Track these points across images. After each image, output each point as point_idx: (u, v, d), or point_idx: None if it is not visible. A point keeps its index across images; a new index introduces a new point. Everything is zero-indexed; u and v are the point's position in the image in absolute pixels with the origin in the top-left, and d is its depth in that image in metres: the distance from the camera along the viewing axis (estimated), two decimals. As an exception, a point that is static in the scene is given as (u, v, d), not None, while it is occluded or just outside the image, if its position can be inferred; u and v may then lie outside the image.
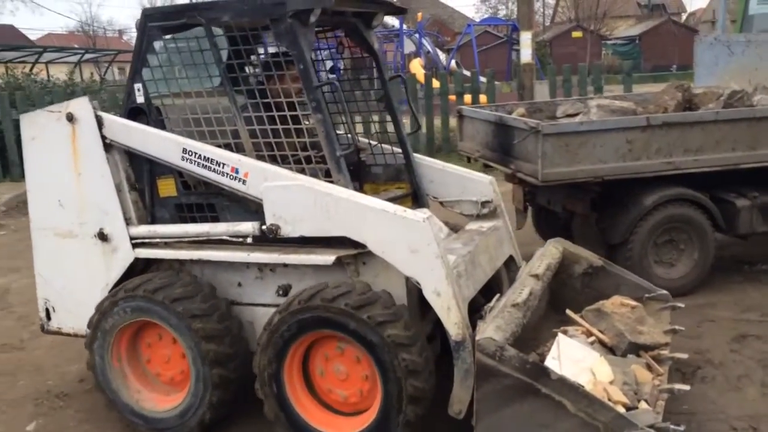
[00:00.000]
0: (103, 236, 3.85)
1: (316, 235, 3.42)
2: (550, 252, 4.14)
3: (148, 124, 3.77)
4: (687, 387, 3.31)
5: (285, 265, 3.54)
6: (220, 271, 3.74)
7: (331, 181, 3.48)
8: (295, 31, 3.43)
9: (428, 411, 3.23)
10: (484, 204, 4.20)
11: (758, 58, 6.48)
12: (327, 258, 3.38)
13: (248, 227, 3.56)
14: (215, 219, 3.74)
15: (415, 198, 4.25)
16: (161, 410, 3.71)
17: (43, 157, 3.95)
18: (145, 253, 3.79)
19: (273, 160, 3.57)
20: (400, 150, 4.32)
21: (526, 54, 11.24)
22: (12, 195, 10.22)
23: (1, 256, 7.44)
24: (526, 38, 11.20)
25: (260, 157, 3.57)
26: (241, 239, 3.59)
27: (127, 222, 3.81)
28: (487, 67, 14.65)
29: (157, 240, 3.79)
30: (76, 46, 33.89)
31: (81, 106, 3.80)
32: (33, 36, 48.46)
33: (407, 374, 3.08)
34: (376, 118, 4.74)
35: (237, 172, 3.53)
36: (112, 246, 3.85)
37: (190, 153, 3.62)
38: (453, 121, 10.75)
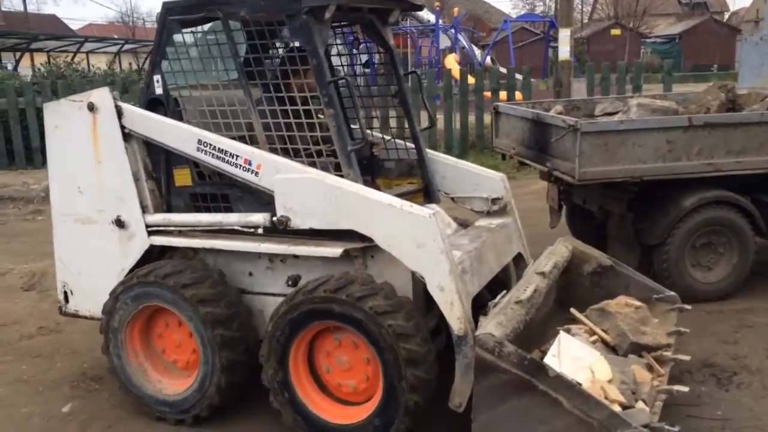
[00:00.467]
0: (120, 223, 3.96)
1: (324, 228, 3.50)
2: (558, 250, 4.16)
3: (165, 115, 3.88)
4: (685, 389, 3.32)
5: (295, 257, 3.62)
6: (232, 260, 3.83)
7: (342, 175, 3.55)
8: (310, 27, 3.50)
9: (429, 401, 3.30)
10: (494, 201, 4.25)
11: (806, 59, 6.30)
12: (335, 250, 3.46)
13: (259, 218, 3.64)
14: (228, 209, 3.83)
15: (427, 193, 4.30)
16: (182, 391, 3.82)
17: (65, 145, 4.07)
18: (159, 240, 3.90)
19: (286, 153, 3.65)
20: (413, 145, 4.37)
21: (564, 51, 11.13)
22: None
23: (39, 241, 7.60)
24: (564, 35, 11.08)
25: (273, 150, 3.66)
26: (252, 230, 3.68)
27: (144, 210, 3.92)
28: (522, 63, 14.51)
29: (172, 228, 3.90)
30: (116, 36, 34.44)
31: (102, 96, 3.91)
32: (74, 26, 49.39)
33: (407, 363, 3.15)
34: (393, 113, 4.77)
35: (250, 164, 3.62)
36: (128, 233, 3.96)
37: (205, 144, 3.71)
38: (487, 118, 10.68)
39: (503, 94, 11.83)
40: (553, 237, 6.64)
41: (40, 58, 24.14)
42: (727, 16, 52.59)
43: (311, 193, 3.47)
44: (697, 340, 4.57)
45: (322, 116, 3.80)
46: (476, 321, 3.28)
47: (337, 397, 3.51)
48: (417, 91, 11.57)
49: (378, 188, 4.10)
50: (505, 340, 2.93)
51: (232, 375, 3.66)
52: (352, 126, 4.34)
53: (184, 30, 3.83)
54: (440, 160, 4.40)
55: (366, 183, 3.99)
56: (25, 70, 21.32)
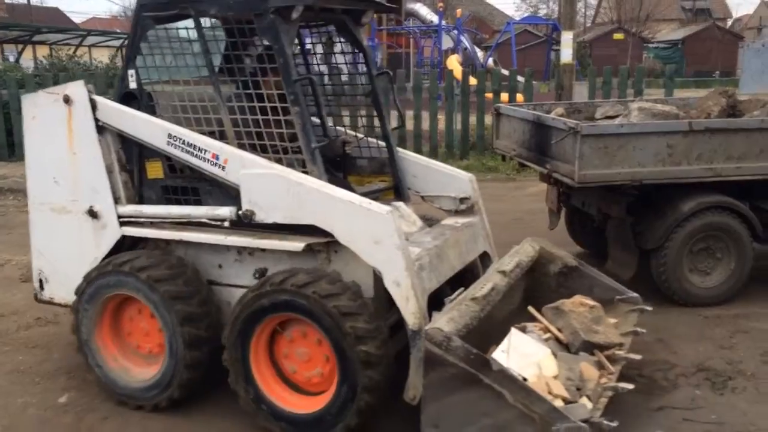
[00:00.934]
0: (93, 213, 4.08)
1: (287, 222, 3.60)
2: (524, 250, 4.26)
3: (139, 109, 3.99)
4: (630, 386, 3.40)
5: (263, 250, 3.72)
6: (202, 252, 3.93)
7: (306, 172, 3.65)
8: (277, 26, 3.61)
9: (381, 400, 3.40)
10: (462, 200, 4.35)
11: (807, 67, 6.32)
12: (297, 245, 3.56)
13: (226, 212, 3.75)
14: (198, 202, 3.94)
15: (397, 191, 4.41)
16: (151, 376, 3.94)
17: (42, 136, 4.19)
18: (131, 231, 4.01)
19: (256, 149, 3.77)
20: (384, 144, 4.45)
21: (566, 54, 11.16)
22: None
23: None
24: (567, 38, 11.11)
25: (242, 146, 3.77)
26: (219, 223, 3.79)
27: (116, 201, 4.04)
28: (525, 66, 14.51)
29: (143, 219, 4.01)
30: (118, 30, 34.42)
31: (77, 89, 4.03)
32: (77, 19, 49.33)
33: (363, 365, 3.24)
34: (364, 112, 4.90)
35: (217, 158, 3.73)
36: (101, 223, 4.08)
37: (175, 138, 3.82)
38: (488, 119, 10.69)
39: (505, 96, 11.88)
40: (551, 238, 6.66)
41: (43, 51, 24.18)
42: (730, 22, 52.58)
43: (275, 189, 3.59)
44: (693, 344, 4.62)
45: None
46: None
47: (296, 386, 3.63)
48: (414, 90, 11.62)
49: (350, 185, 4.23)
50: (453, 334, 3.04)
51: (195, 370, 3.79)
52: (329, 124, 4.50)
53: (157, 26, 3.96)
54: (411, 159, 4.51)
55: (336, 179, 4.15)
56: (27, 62, 21.31)
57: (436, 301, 3.54)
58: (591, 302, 3.90)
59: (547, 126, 5.30)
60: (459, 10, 26.10)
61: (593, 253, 6.36)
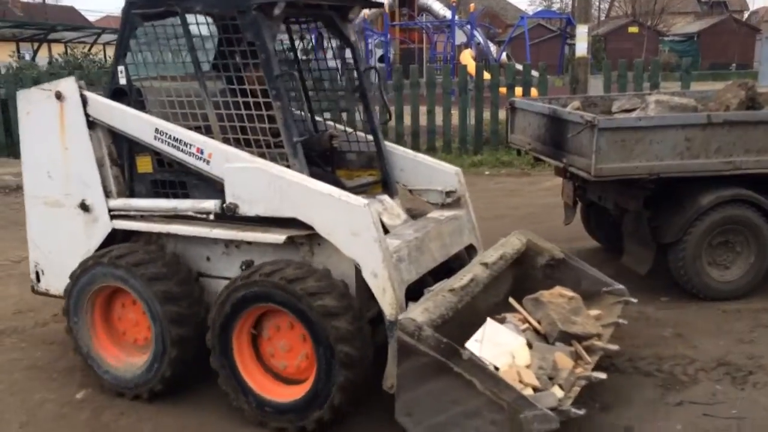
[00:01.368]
0: (84, 207, 4.19)
1: (269, 215, 3.70)
2: (510, 242, 4.33)
3: (129, 104, 4.09)
4: (603, 375, 3.45)
5: (249, 243, 3.81)
6: (191, 245, 4.03)
7: (289, 166, 3.73)
8: (259, 22, 3.69)
9: (362, 377, 3.48)
10: (448, 194, 4.41)
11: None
12: (279, 237, 3.64)
13: (211, 205, 3.85)
14: (186, 196, 4.04)
15: (385, 185, 4.50)
16: (140, 366, 4.04)
17: (36, 131, 4.31)
18: (121, 224, 4.12)
19: (240, 143, 3.85)
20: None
21: (581, 47, 11.08)
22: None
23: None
24: (582, 31, 11.04)
25: (227, 140, 3.86)
26: (204, 216, 3.89)
27: (107, 195, 4.15)
28: (538, 60, 14.40)
29: (133, 213, 4.12)
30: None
31: (68, 86, 4.15)
32: (92, 17, 49.62)
33: (337, 341, 3.34)
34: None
35: (202, 152, 3.83)
36: (92, 216, 4.19)
37: (162, 133, 3.92)
38: (502, 114, 10.64)
39: (519, 91, 11.80)
40: (566, 233, 6.63)
41: (58, 49, 24.34)
42: (746, 15, 51.97)
43: (257, 182, 3.68)
44: (712, 339, 4.58)
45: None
46: None
47: (280, 376, 3.73)
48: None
49: (338, 179, 4.35)
50: (425, 324, 3.11)
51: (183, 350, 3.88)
52: (317, 118, 4.65)
53: (146, 23, 4.05)
54: (399, 153, 4.59)
55: (325, 174, 4.26)
56: (42, 60, 21.45)
57: (419, 293, 3.62)
58: (570, 293, 3.96)
59: (564, 120, 5.26)
60: (472, 5, 26.00)
61: (609, 248, 6.32)
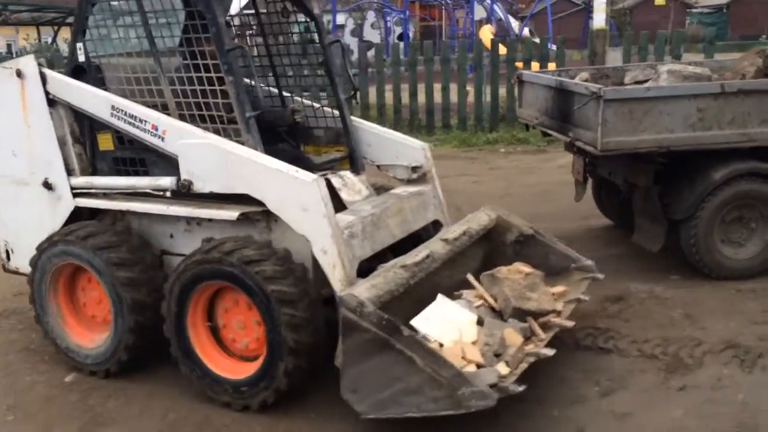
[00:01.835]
0: (48, 185, 4.20)
1: (223, 192, 3.69)
2: (476, 218, 4.30)
3: (88, 82, 4.08)
4: (552, 351, 3.42)
5: (209, 220, 3.81)
6: (154, 222, 4.04)
7: (242, 142, 3.71)
8: None
9: (311, 363, 3.49)
10: (414, 169, 4.37)
11: None
12: (232, 213, 3.64)
13: (167, 182, 3.84)
14: (146, 173, 4.04)
15: (352, 161, 4.48)
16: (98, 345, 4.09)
17: (0, 110, 4.30)
18: (83, 202, 4.14)
19: (198, 119, 3.85)
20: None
21: (599, 19, 10.82)
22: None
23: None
24: (600, 2, 10.70)
25: (183, 117, 3.86)
26: (161, 193, 3.90)
27: (69, 173, 4.15)
28: (564, 35, 14.01)
29: (95, 190, 4.12)
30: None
31: (28, 63, 4.16)
32: (114, 0, 49.67)
33: (288, 328, 3.35)
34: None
35: (156, 129, 3.83)
36: (56, 194, 4.21)
37: (118, 110, 3.92)
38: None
39: (536, 65, 11.51)
40: (579, 211, 6.43)
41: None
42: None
43: (210, 158, 3.68)
44: (723, 319, 4.40)
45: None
46: None
47: (232, 352, 3.74)
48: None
49: (304, 155, 4.38)
50: (367, 300, 3.10)
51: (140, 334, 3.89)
52: (285, 94, 4.64)
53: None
54: (365, 128, 4.56)
55: (290, 150, 4.31)
56: (63, 44, 21.54)
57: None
58: (528, 269, 3.93)
59: (570, 92, 5.06)
60: (492, -21, 25.38)
61: (621, 226, 6.11)
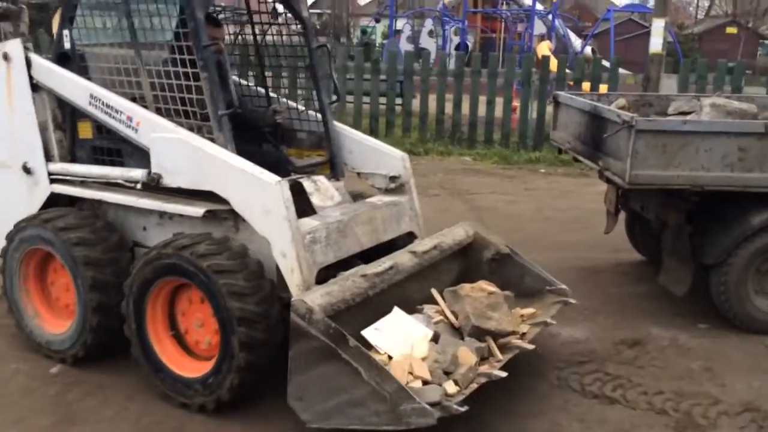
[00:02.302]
0: (27, 169, 4.28)
1: (190, 188, 3.74)
2: (452, 233, 4.33)
3: (72, 70, 4.15)
4: (504, 374, 3.40)
5: (181, 215, 3.85)
6: (129, 214, 4.10)
7: (213, 139, 3.77)
8: None
9: (265, 361, 3.48)
10: (392, 179, 4.39)
11: None
12: (198, 210, 3.69)
13: (138, 174, 3.90)
14: (122, 164, 4.10)
15: (332, 166, 4.52)
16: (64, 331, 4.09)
17: None
18: (59, 189, 4.20)
19: (172, 114, 3.89)
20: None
21: (655, 43, 10.37)
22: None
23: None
24: (658, 25, 10.36)
25: (160, 111, 3.92)
26: (132, 185, 3.95)
27: (48, 158, 4.23)
28: (627, 58, 13.57)
29: (71, 177, 4.18)
30: (227, 6, 35.18)
31: (14, 47, 4.23)
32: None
33: (240, 322, 3.34)
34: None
35: (131, 120, 3.88)
36: (34, 179, 4.29)
37: (96, 99, 3.99)
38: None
39: (586, 85, 11.17)
40: (610, 242, 6.13)
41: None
42: None
43: (179, 153, 3.74)
44: (746, 377, 4.16)
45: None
46: None
47: (192, 351, 3.75)
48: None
49: (285, 156, 4.44)
50: (318, 307, 3.12)
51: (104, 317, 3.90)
52: (271, 95, 4.70)
53: None
54: (347, 134, 4.59)
55: (271, 151, 4.37)
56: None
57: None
58: (492, 288, 3.94)
59: (603, 118, 4.79)
60: (557, -6, 24.98)
61: (653, 262, 5.84)
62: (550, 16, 22.78)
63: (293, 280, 3.46)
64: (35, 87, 4.18)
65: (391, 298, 3.69)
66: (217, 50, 4.01)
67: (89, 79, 4.09)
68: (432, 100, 11.62)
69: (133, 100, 3.95)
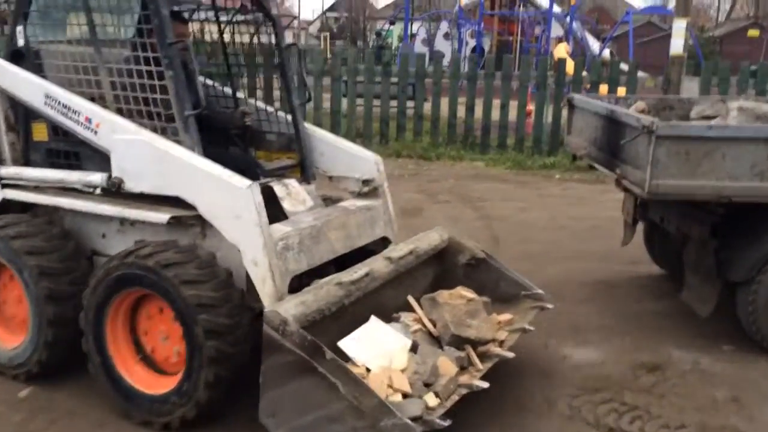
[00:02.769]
0: None
1: (154, 193, 3.72)
2: (427, 237, 4.33)
3: (27, 68, 4.12)
4: (486, 384, 3.40)
5: (143, 221, 3.83)
6: (87, 221, 4.07)
7: (179, 141, 3.78)
8: None
9: (234, 375, 3.44)
10: (365, 182, 4.36)
11: None
12: (162, 216, 3.65)
13: (98, 178, 3.87)
14: (80, 167, 4.08)
15: (303, 169, 4.52)
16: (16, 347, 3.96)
17: None
18: (11, 194, 4.16)
19: (137, 114, 3.85)
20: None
21: (677, 45, 10.11)
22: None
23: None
24: (679, 26, 10.12)
25: (121, 111, 3.89)
26: (91, 190, 3.91)
27: (0, 162, 4.21)
28: (646, 61, 13.13)
29: (25, 182, 4.14)
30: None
31: None
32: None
33: (208, 334, 3.28)
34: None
35: (90, 121, 3.81)
36: None
37: (52, 99, 3.93)
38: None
39: (604, 88, 10.89)
40: (628, 254, 5.76)
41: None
42: None
43: (142, 156, 3.71)
44: None
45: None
46: None
47: (155, 366, 3.70)
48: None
49: (254, 159, 4.42)
50: (292, 318, 3.09)
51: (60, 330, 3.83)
52: (239, 95, 4.64)
53: None
54: (318, 136, 4.58)
55: (239, 154, 4.30)
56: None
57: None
58: (470, 295, 3.97)
59: (620, 122, 4.47)
60: (575, -3, 24.56)
61: (673, 277, 5.59)
62: (567, 19, 22.44)
63: (265, 290, 3.42)
64: None
65: (366, 306, 3.72)
66: (183, 48, 3.98)
67: (45, 77, 4.09)
68: (444, 103, 11.35)
69: (93, 100, 3.95)
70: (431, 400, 3.21)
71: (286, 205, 3.99)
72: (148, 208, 3.72)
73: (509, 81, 11.38)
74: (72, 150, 4.07)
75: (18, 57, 4.15)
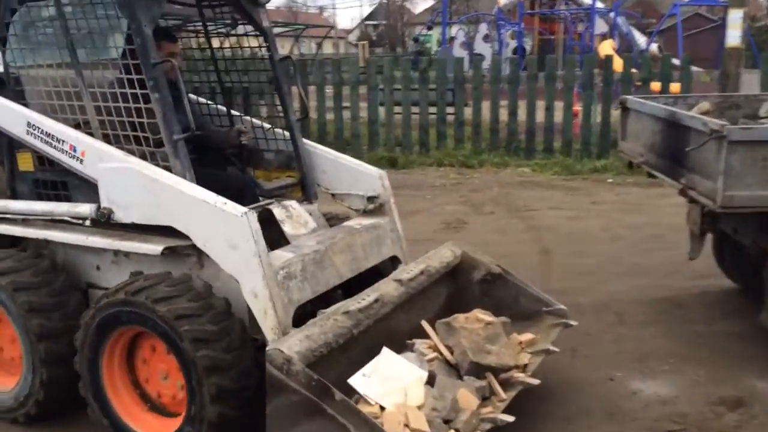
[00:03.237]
0: None
1: (145, 222, 3.72)
2: (438, 255, 4.23)
3: (7, 96, 4.15)
4: (511, 418, 3.32)
5: (138, 253, 3.86)
6: (80, 253, 4.08)
7: (170, 167, 3.81)
8: (133, 2, 3.67)
9: (239, 412, 3.28)
10: (370, 199, 4.26)
11: None
12: (156, 247, 3.64)
13: (86, 209, 3.86)
14: (68, 198, 4.10)
15: (304, 188, 4.46)
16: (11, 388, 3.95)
17: None
18: None
19: (125, 140, 3.78)
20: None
21: (734, 36, 9.53)
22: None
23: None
24: (735, 17, 9.70)
25: (108, 138, 3.89)
26: (80, 221, 3.92)
27: None
28: (695, 54, 12.47)
29: (12, 216, 4.16)
30: (280, 20, 35.73)
31: None
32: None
33: (207, 371, 3.21)
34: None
35: (75, 150, 3.77)
36: None
37: (34, 127, 3.92)
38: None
39: (656, 85, 10.47)
40: (694, 266, 5.34)
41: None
42: None
43: (131, 185, 3.68)
44: None
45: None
46: None
47: (157, 407, 3.65)
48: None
49: (253, 179, 4.38)
50: (296, 356, 2.98)
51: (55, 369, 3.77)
52: (234, 113, 4.60)
53: (24, 4, 4.00)
54: (319, 153, 4.50)
55: (237, 175, 4.22)
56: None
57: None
58: (489, 318, 3.87)
59: (684, 126, 4.04)
60: (618, -9, 23.89)
61: (748, 293, 5.20)
62: (611, 14, 21.80)
63: (267, 323, 3.34)
64: None
65: (377, 333, 3.64)
66: (170, 67, 3.95)
67: (26, 105, 4.11)
68: (486, 107, 10.96)
69: (77, 126, 3.98)
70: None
71: (287, 228, 3.94)
72: (142, 238, 3.74)
73: (553, 82, 11.28)
74: (59, 180, 4.08)
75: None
